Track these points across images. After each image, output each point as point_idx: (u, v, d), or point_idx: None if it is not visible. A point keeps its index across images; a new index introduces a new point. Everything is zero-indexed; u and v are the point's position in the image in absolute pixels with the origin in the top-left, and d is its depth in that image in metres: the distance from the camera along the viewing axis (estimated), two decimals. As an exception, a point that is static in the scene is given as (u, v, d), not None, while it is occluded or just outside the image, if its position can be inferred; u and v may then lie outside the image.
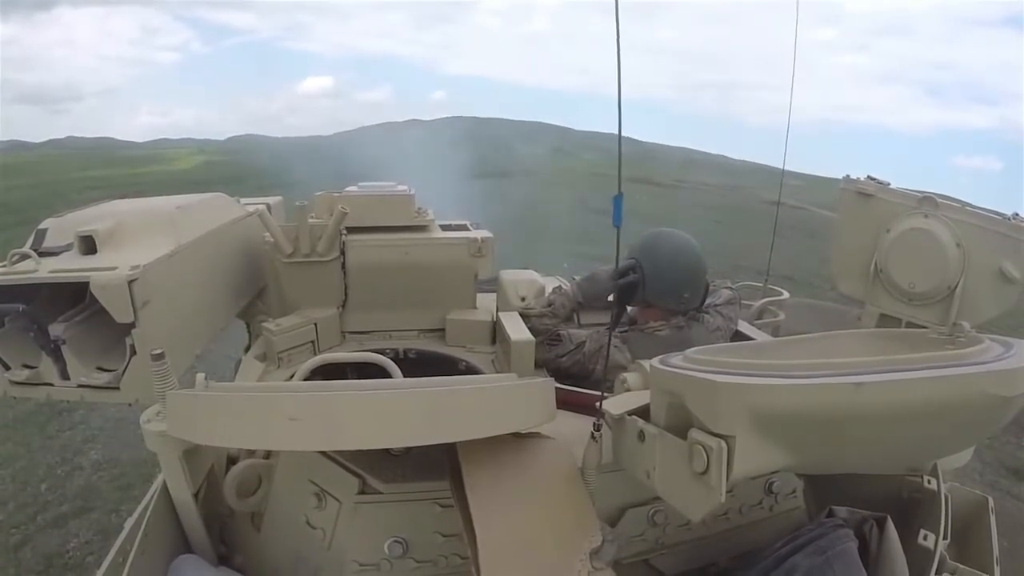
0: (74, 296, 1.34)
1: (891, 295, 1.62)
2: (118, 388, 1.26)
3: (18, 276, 1.23)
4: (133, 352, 1.23)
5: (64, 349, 1.25)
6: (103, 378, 1.27)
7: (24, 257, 1.30)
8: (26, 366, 1.30)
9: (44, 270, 1.24)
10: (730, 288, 1.91)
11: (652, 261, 1.64)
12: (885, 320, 1.64)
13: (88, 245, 1.31)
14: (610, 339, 1.07)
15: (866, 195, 1.64)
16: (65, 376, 1.27)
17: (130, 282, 1.17)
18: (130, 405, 1.28)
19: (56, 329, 1.24)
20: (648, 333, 1.66)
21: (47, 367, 1.27)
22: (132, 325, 1.20)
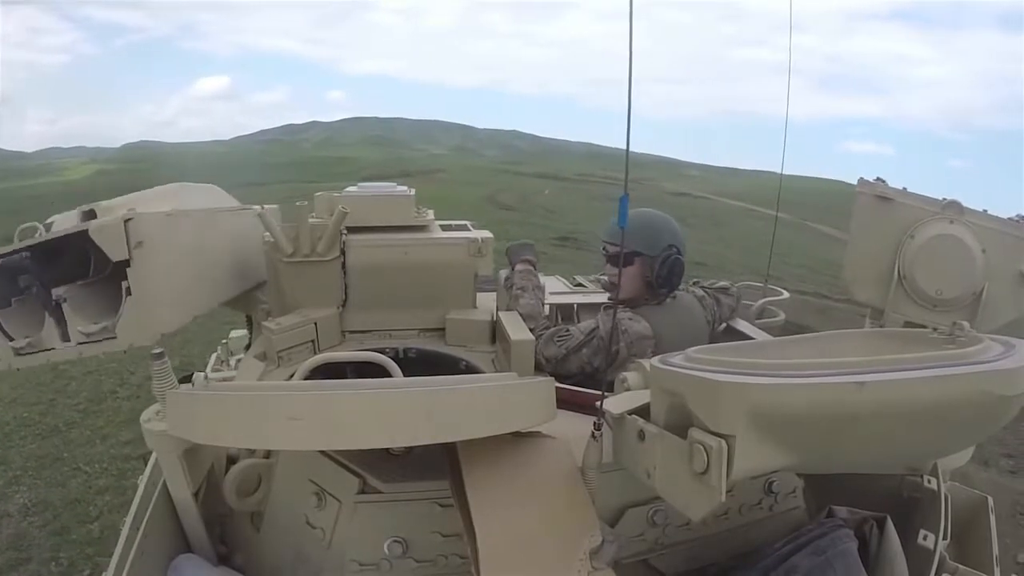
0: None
1: (915, 302, 1.56)
2: (114, 337, 1.29)
3: (23, 242, 1.28)
4: (128, 294, 1.26)
5: (64, 307, 1.29)
6: (99, 326, 1.30)
7: (32, 231, 1.35)
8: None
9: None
10: (726, 286, 2.01)
11: (673, 233, 1.71)
12: (909, 327, 1.61)
13: (90, 215, 1.37)
14: (615, 317, 1.07)
15: (885, 199, 1.58)
16: (66, 338, 1.31)
17: (126, 221, 1.23)
18: (125, 352, 1.31)
19: (59, 290, 1.29)
20: (652, 305, 1.73)
21: (49, 332, 1.31)
22: (126, 264, 1.24)
